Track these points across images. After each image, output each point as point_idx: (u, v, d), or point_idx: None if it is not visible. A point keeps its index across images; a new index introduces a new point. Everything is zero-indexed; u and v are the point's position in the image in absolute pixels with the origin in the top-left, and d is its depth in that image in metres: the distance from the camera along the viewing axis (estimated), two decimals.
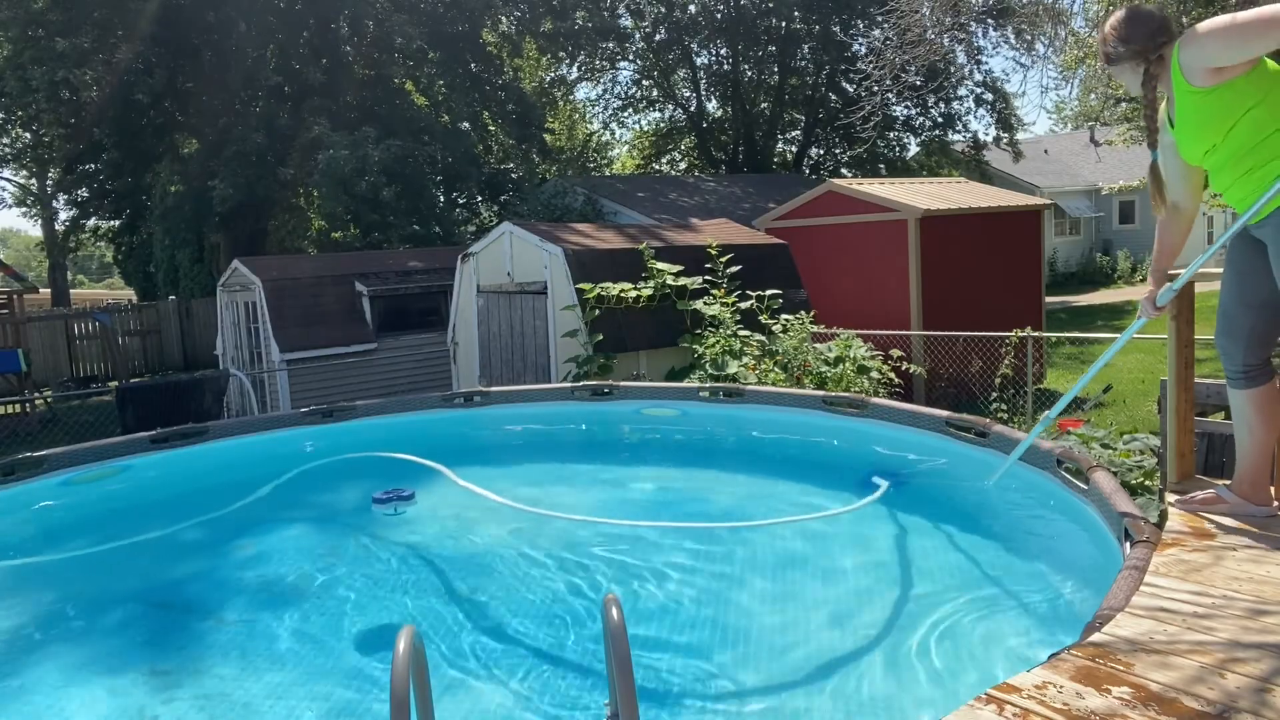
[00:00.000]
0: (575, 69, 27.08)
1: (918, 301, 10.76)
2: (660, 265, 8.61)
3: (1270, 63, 2.79)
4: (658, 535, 4.43)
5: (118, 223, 24.00)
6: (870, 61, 11.03)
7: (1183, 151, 3.04)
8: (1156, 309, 3.18)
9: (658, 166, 32.19)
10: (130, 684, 3.31)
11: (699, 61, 28.51)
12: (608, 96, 29.68)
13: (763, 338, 8.13)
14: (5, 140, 20.96)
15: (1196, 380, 3.54)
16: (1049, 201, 14.48)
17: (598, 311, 8.28)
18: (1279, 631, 2.30)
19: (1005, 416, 8.39)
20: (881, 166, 26.78)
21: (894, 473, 4.94)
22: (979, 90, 24.43)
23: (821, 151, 29.79)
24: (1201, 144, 2.93)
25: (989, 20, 16.62)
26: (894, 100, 16.79)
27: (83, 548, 4.83)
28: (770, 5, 25.57)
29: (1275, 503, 3.15)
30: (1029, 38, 14.64)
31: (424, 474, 5.39)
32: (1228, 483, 3.26)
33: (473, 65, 19.64)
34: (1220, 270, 3.18)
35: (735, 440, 6.11)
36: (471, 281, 9.99)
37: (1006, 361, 8.30)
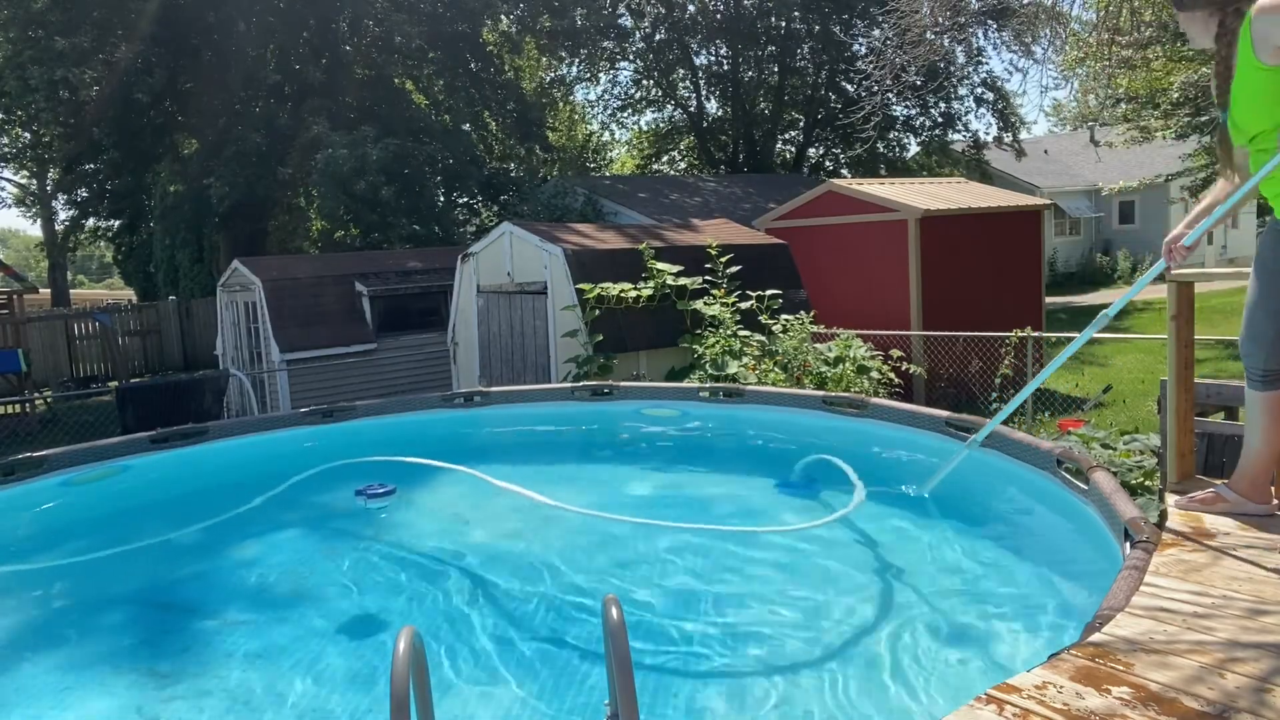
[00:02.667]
0: (575, 68, 27.10)
1: (918, 301, 10.76)
2: (660, 265, 8.61)
3: None
4: (658, 534, 4.43)
5: (117, 223, 24.00)
6: (870, 61, 11.03)
7: (1237, 132, 2.82)
8: (1186, 249, 3.02)
9: (657, 166, 32.20)
10: (130, 684, 3.31)
11: (699, 61, 28.53)
12: (607, 97, 29.73)
13: (763, 338, 8.13)
14: (5, 140, 20.96)
15: (1196, 380, 3.54)
16: (1049, 201, 14.48)
17: (598, 312, 8.28)
18: (1278, 631, 2.31)
19: None
20: (881, 167, 26.78)
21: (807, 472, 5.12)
22: (979, 90, 24.45)
23: (821, 152, 29.79)
24: (1254, 125, 2.71)
25: (989, 21, 16.61)
26: (894, 100, 16.79)
27: (82, 548, 4.83)
28: (770, 5, 25.57)
29: (1275, 501, 3.15)
30: (1028, 40, 14.64)
31: (419, 473, 5.39)
32: (1226, 481, 3.25)
33: (473, 65, 19.65)
34: (1220, 270, 3.16)
35: (735, 440, 6.11)
36: (471, 281, 9.99)
37: (1006, 362, 8.29)
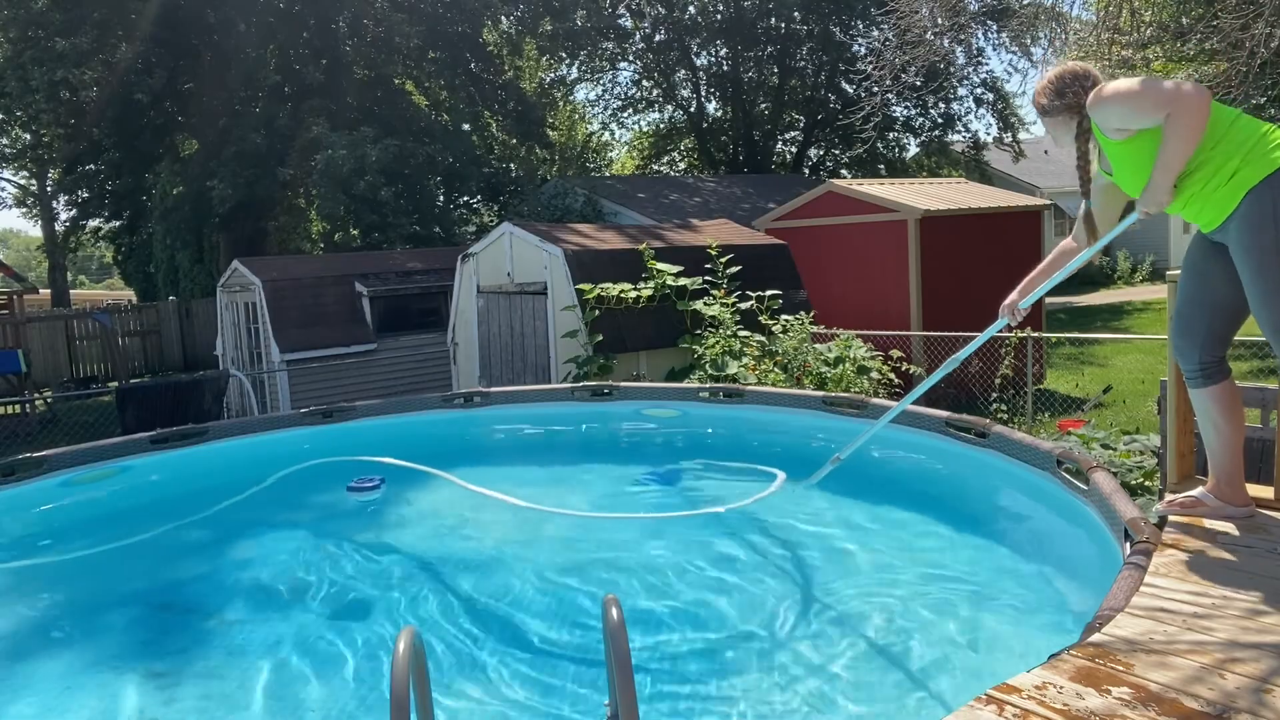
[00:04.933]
0: (575, 69, 27.10)
1: (917, 302, 10.76)
2: (660, 266, 8.61)
3: None
4: (657, 532, 4.43)
5: (118, 223, 23.99)
6: (870, 62, 11.02)
7: (1132, 192, 3.10)
8: (1019, 313, 3.53)
9: (657, 167, 32.20)
10: (130, 685, 3.31)
11: (699, 62, 28.53)
12: (607, 97, 29.72)
13: (763, 338, 8.13)
14: (5, 140, 20.95)
15: None
16: (1049, 202, 14.48)
17: (597, 312, 8.28)
18: (1277, 631, 2.31)
19: (1005, 417, 8.39)
20: (881, 167, 26.80)
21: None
22: (979, 90, 24.47)
23: (821, 152, 29.80)
24: (1138, 187, 3.02)
25: (989, 22, 16.62)
26: (894, 101, 16.79)
27: (82, 548, 4.83)
28: (770, 6, 25.58)
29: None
30: (1027, 41, 14.63)
31: (417, 473, 5.39)
32: (1206, 487, 3.22)
33: (473, 65, 19.65)
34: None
35: (734, 440, 6.10)
36: (471, 282, 10.00)
37: (1006, 362, 8.30)
